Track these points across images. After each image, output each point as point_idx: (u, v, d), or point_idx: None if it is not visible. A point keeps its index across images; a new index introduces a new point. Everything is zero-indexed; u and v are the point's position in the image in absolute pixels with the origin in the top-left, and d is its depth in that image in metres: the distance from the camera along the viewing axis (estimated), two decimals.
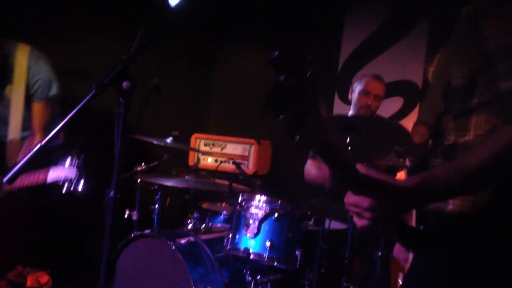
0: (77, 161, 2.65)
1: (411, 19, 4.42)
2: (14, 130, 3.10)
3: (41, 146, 1.61)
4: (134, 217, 3.51)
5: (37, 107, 3.15)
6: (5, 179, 1.58)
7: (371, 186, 1.28)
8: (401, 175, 3.02)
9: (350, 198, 1.32)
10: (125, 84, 1.67)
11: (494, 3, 1.35)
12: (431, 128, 1.49)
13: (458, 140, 1.45)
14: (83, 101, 1.64)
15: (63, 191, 2.63)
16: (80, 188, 2.61)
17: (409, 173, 1.61)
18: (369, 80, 3.58)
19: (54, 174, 2.66)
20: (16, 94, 3.08)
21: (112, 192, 1.67)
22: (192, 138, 4.96)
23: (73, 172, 2.63)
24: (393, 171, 2.95)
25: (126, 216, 3.42)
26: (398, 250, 1.92)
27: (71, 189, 2.62)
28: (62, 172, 2.64)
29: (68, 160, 2.65)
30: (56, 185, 2.65)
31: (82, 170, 2.63)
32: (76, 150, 2.68)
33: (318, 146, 1.19)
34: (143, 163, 3.72)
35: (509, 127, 1.28)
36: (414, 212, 1.54)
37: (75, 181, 2.62)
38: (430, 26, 4.26)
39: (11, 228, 3.19)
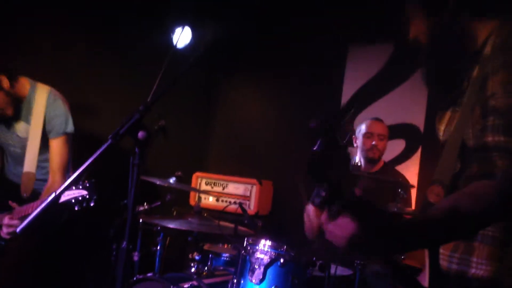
0: (88, 182, 2.66)
1: (412, 63, 4.48)
2: (29, 164, 3.14)
3: (55, 196, 1.59)
4: (135, 258, 3.48)
5: (55, 144, 3.21)
6: (18, 229, 1.56)
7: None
8: None
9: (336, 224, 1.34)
10: (141, 134, 1.67)
11: (502, 65, 1.39)
12: (447, 188, 1.51)
13: None
14: (99, 151, 1.64)
15: (76, 209, 2.64)
16: (91, 205, 2.64)
17: None
18: (369, 122, 3.70)
19: (66, 194, 2.68)
20: (34, 129, 3.15)
21: (125, 243, 1.66)
22: (194, 177, 4.95)
23: (84, 191, 2.65)
24: (398, 218, 2.95)
25: None
26: None
27: (83, 205, 2.63)
28: (74, 192, 2.66)
29: (80, 182, 2.68)
30: (68, 203, 2.66)
31: (93, 191, 2.65)
32: (87, 174, 2.70)
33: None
34: (145, 203, 3.71)
35: (485, 182, 1.32)
36: (427, 272, 1.53)
37: (87, 199, 2.64)
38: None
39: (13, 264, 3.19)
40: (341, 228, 1.32)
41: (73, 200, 2.66)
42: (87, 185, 2.67)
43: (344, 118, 1.59)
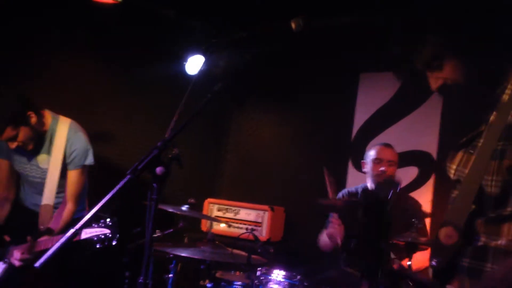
0: (110, 221, 2.68)
1: (425, 90, 4.48)
2: (48, 196, 3.19)
3: (74, 231, 1.61)
4: (148, 286, 3.47)
5: (72, 175, 3.27)
6: (37, 264, 1.58)
7: None
8: (419, 256, 3.00)
9: None
10: (159, 170, 1.70)
11: None
12: (461, 230, 1.52)
13: (489, 243, 1.49)
14: (117, 186, 1.66)
15: (97, 246, 2.66)
16: (113, 244, 2.66)
17: (435, 274, 1.61)
18: (379, 148, 3.71)
19: (88, 231, 2.70)
20: (54, 162, 3.21)
21: (141, 278, 1.67)
22: (205, 203, 4.96)
23: (106, 230, 2.67)
24: (413, 248, 2.93)
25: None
26: None
27: (106, 244, 2.65)
28: (97, 230, 2.69)
29: (102, 220, 2.70)
30: (90, 241, 2.67)
31: (116, 229, 2.67)
32: (110, 212, 2.73)
33: None
34: (157, 230, 3.71)
35: None
36: None
37: (109, 238, 2.65)
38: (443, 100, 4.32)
39: None
40: None
41: (95, 238, 2.68)
42: (109, 223, 2.70)
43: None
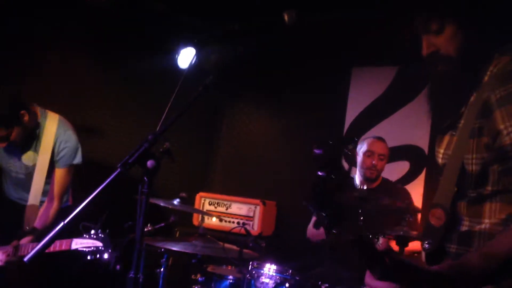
0: (102, 233, 2.65)
1: (416, 84, 4.49)
2: (34, 196, 3.15)
3: (63, 225, 1.59)
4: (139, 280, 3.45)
5: (59, 173, 3.23)
6: (26, 259, 1.56)
7: (403, 272, 1.30)
8: (414, 245, 3.02)
9: (376, 283, 1.34)
10: (149, 163, 1.68)
11: (502, 100, 1.41)
12: (448, 211, 1.52)
13: (473, 227, 1.49)
14: (107, 180, 1.64)
15: (88, 258, 2.62)
16: (105, 257, 2.61)
17: (427, 256, 1.61)
18: (371, 141, 3.71)
19: (79, 242, 2.66)
20: (41, 161, 3.15)
21: (132, 273, 1.66)
22: (197, 197, 4.95)
23: (98, 242, 2.63)
24: (405, 241, 2.95)
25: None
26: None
27: (97, 257, 2.61)
28: (88, 241, 2.65)
29: (93, 231, 2.67)
30: (80, 253, 2.64)
31: (108, 243, 2.63)
32: (101, 223, 2.69)
33: (353, 240, 1.26)
34: (149, 224, 3.69)
35: None
36: None
37: (101, 251, 2.62)
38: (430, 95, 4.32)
39: None
40: None
41: (86, 250, 2.65)
42: (101, 236, 2.66)
43: (347, 146, 1.61)
